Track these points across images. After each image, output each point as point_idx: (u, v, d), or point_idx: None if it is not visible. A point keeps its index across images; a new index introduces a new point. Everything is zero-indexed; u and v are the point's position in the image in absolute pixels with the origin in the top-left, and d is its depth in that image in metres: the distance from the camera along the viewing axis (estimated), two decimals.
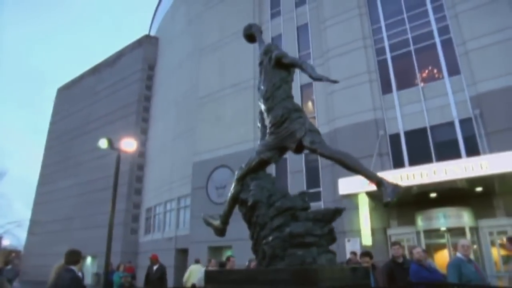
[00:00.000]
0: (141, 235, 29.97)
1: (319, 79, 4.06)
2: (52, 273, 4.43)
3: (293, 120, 4.35)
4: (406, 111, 15.59)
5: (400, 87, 16.08)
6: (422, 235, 13.45)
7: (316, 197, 16.88)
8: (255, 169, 4.79)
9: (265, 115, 4.82)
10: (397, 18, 16.73)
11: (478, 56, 13.99)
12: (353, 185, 13.26)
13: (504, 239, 8.80)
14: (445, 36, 15.23)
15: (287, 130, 4.37)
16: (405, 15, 16.51)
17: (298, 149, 4.40)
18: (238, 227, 20.96)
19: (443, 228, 12.96)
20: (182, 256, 22.22)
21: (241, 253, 17.81)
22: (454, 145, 14.06)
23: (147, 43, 34.78)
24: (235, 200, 4.89)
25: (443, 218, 12.85)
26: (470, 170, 11.32)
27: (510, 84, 13.05)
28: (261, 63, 4.88)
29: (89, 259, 33.01)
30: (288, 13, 20.75)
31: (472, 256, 7.12)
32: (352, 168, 4.07)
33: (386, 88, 16.39)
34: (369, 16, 17.60)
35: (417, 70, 15.76)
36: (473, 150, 13.39)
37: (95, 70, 42.03)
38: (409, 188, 12.16)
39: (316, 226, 4.22)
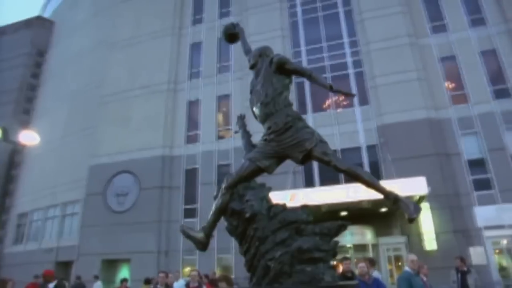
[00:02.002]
0: (8, 245, 25.52)
1: (337, 91, 4.02)
2: None
3: (299, 129, 4.16)
4: (320, 133, 16.55)
5: (315, 109, 17.06)
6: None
7: None
8: (247, 178, 4.41)
9: (258, 119, 4.51)
10: (317, 45, 17.87)
11: (385, 91, 15.72)
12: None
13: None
14: (358, 69, 16.79)
15: (292, 139, 4.14)
16: (324, 44, 17.73)
17: (303, 160, 4.22)
18: (137, 238, 19.66)
19: (348, 245, 13.93)
20: (65, 270, 19.51)
21: (140, 267, 16.52)
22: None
23: (38, 26, 30.60)
24: (223, 210, 4.39)
25: (350, 236, 13.83)
26: (372, 193, 12.49)
27: (409, 119, 14.92)
28: (253, 66, 4.63)
29: None
30: (211, 22, 20.49)
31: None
32: (369, 183, 4.03)
33: (302, 109, 17.21)
34: (291, 39, 18.44)
35: (331, 96, 16.96)
36: (376, 174, 14.82)
37: None
38: (319, 206, 12.86)
39: (322, 241, 4.04)
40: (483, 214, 13.37)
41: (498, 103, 14.60)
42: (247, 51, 5.34)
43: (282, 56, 4.44)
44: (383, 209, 13.56)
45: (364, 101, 16.27)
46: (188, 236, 4.26)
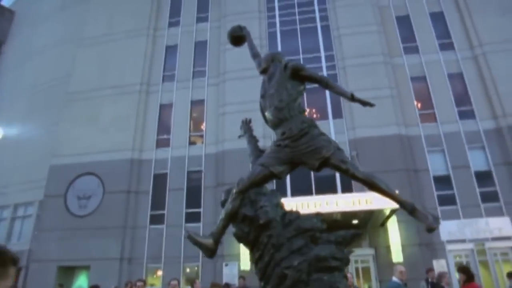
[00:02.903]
0: None
1: (358, 100, 4.09)
2: None
3: (315, 136, 4.15)
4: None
5: None
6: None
7: (196, 217, 16.27)
8: (259, 184, 4.34)
9: (270, 124, 4.45)
10: (294, 57, 18.08)
11: (359, 106, 15.96)
12: None
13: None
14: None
15: (308, 146, 4.12)
16: (301, 56, 17.99)
17: (319, 167, 4.20)
18: (99, 244, 18.81)
19: None
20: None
21: (100, 275, 15.66)
22: (332, 181, 15.61)
23: None
24: (234, 216, 4.25)
25: None
26: (342, 205, 12.93)
27: (381, 134, 15.40)
28: (265, 70, 4.60)
29: None
30: (187, 26, 20.19)
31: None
32: (386, 192, 4.09)
33: None
34: (269, 49, 18.52)
35: (306, 107, 17.16)
36: (348, 187, 15.11)
37: None
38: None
39: (338, 249, 4.01)
40: (446, 229, 13.94)
41: (463, 123, 15.45)
42: (254, 54, 5.28)
43: (297, 62, 4.45)
44: (354, 221, 13.81)
45: (337, 114, 16.62)
46: (195, 242, 4.04)
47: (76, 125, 18.95)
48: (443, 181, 14.82)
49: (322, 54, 17.84)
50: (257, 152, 5.00)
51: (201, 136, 18.13)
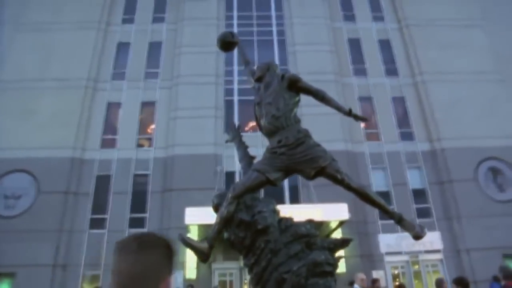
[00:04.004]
0: None
1: (354, 115, 4.32)
2: None
3: (311, 146, 4.36)
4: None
5: (242, 129, 17.26)
6: (245, 271, 14.28)
7: (140, 223, 15.62)
8: (254, 189, 4.42)
9: (264, 131, 4.55)
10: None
11: (309, 120, 16.50)
12: (195, 216, 13.22)
13: None
14: None
15: (305, 155, 4.31)
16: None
17: (314, 176, 4.40)
18: (28, 249, 17.39)
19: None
20: None
21: (27, 283, 14.29)
22: (280, 192, 15.91)
23: None
24: (229, 220, 4.22)
25: None
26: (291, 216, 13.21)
27: (329, 148, 15.94)
28: (259, 79, 4.74)
29: None
30: (142, 25, 19.55)
31: None
32: (377, 203, 4.37)
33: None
34: (225, 57, 18.58)
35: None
36: (295, 198, 15.53)
37: None
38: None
39: (330, 255, 4.17)
40: (385, 241, 14.88)
41: (403, 144, 16.72)
42: (247, 62, 5.37)
43: (295, 74, 4.64)
44: None
45: None
46: (189, 245, 3.96)
47: (9, 117, 17.27)
48: (383, 197, 15.36)
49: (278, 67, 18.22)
50: (248, 158, 5.01)
51: (150, 139, 17.54)
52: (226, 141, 5.59)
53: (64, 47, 18.50)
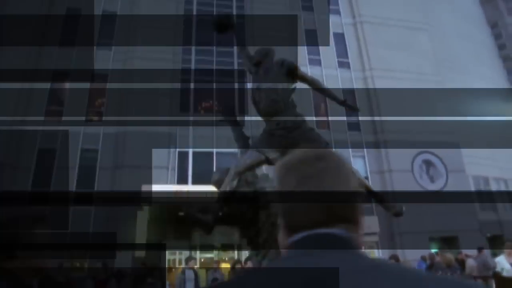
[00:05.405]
0: None
1: (348, 105, 4.69)
2: None
3: (306, 130, 4.65)
4: (198, 133, 16.75)
5: (197, 110, 17.24)
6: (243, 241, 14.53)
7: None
8: (252, 168, 4.64)
9: (262, 113, 4.74)
10: (207, 48, 18.17)
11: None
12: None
13: None
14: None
15: (301, 138, 4.57)
16: (214, 52, 18.17)
17: None
18: None
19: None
20: None
21: None
22: None
23: None
24: (231, 194, 4.46)
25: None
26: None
27: None
28: (258, 63, 4.89)
29: None
30: None
31: None
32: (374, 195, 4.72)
33: (184, 106, 17.12)
34: (182, 35, 18.21)
35: (215, 102, 17.46)
36: None
37: None
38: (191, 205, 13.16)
39: None
40: None
41: (350, 134, 17.76)
42: (242, 45, 5.49)
43: (293, 61, 4.84)
44: None
45: (243, 110, 17.25)
46: (195, 219, 4.15)
47: None
48: None
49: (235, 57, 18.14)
50: (244, 138, 5.18)
51: (100, 112, 16.85)
52: (220, 121, 5.73)
53: None
